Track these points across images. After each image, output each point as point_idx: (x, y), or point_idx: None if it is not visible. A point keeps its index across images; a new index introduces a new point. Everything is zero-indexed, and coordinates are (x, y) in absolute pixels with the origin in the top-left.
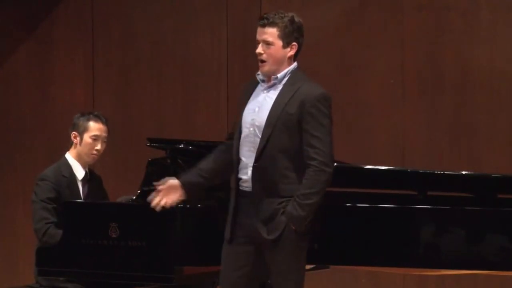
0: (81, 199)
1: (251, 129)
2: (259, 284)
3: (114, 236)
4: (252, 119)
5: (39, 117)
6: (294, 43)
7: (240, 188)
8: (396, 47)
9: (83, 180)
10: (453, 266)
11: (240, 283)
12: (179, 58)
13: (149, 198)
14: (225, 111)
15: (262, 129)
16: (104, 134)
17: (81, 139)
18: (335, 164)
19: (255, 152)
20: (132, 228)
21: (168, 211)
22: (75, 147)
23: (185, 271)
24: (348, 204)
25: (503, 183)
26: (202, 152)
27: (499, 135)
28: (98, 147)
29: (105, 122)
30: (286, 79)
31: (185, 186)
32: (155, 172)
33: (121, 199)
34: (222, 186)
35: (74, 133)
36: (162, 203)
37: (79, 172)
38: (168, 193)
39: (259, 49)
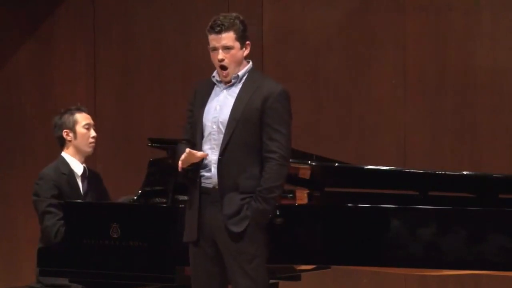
0: (81, 195)
1: (214, 126)
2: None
3: (115, 236)
4: (214, 117)
5: (40, 117)
6: (248, 42)
7: (203, 185)
8: (398, 47)
9: (82, 175)
10: (454, 266)
11: (214, 285)
12: (180, 58)
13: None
14: None
15: (225, 125)
16: (93, 122)
17: (75, 132)
18: (336, 164)
19: (219, 148)
20: (133, 228)
21: (169, 211)
22: (70, 144)
23: (186, 271)
24: (349, 205)
25: (504, 183)
26: None
27: (501, 135)
28: (93, 133)
29: (86, 110)
30: (245, 77)
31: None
32: (156, 173)
33: (122, 199)
34: None
35: (65, 131)
36: (203, 154)
37: (78, 168)
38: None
39: (221, 55)
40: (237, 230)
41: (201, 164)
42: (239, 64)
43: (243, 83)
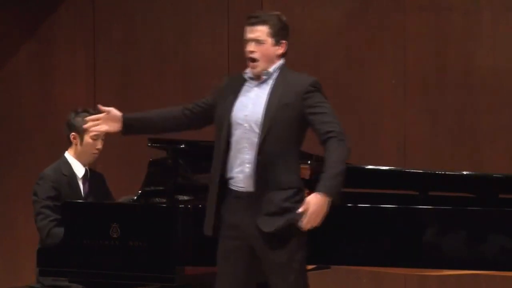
0: (81, 197)
1: (246, 125)
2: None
3: (115, 236)
4: (246, 115)
5: (40, 117)
6: (284, 41)
7: (233, 188)
8: (398, 47)
9: (83, 178)
10: (454, 266)
11: (239, 283)
12: (180, 59)
13: (88, 118)
14: None
15: (260, 124)
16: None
17: (81, 140)
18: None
19: (253, 147)
20: (133, 228)
21: (169, 211)
22: (74, 147)
23: (186, 271)
24: (349, 204)
25: (504, 183)
26: (203, 152)
27: (501, 135)
28: (99, 146)
29: None
30: (276, 74)
31: (125, 121)
32: (156, 173)
33: (122, 199)
34: None
35: (73, 134)
36: (100, 128)
37: (79, 170)
38: (107, 121)
39: (251, 47)
40: (272, 231)
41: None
42: (270, 60)
43: (275, 79)
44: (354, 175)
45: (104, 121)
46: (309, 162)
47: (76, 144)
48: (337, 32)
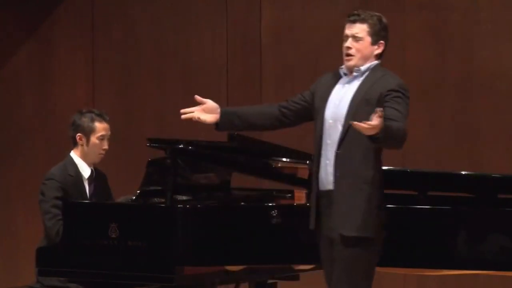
0: (87, 197)
1: (331, 121)
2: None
3: (114, 236)
4: (333, 112)
5: (40, 117)
6: (382, 41)
7: (320, 188)
8: (397, 47)
9: (89, 178)
10: (454, 266)
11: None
12: (179, 58)
13: (183, 110)
14: None
15: (342, 120)
16: (109, 133)
17: (88, 140)
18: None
19: (336, 143)
20: (132, 228)
21: (168, 211)
22: (80, 148)
23: (185, 271)
24: None
25: (503, 183)
26: (202, 152)
27: (501, 135)
28: (105, 146)
29: (108, 119)
30: (367, 72)
31: (222, 114)
32: (155, 172)
33: (121, 199)
34: (223, 185)
35: (79, 135)
36: (194, 115)
37: (85, 171)
38: (204, 111)
39: (348, 43)
40: (347, 234)
41: None
42: (365, 58)
43: (365, 77)
44: None
45: (200, 111)
46: (307, 162)
47: (82, 145)
48: (336, 31)
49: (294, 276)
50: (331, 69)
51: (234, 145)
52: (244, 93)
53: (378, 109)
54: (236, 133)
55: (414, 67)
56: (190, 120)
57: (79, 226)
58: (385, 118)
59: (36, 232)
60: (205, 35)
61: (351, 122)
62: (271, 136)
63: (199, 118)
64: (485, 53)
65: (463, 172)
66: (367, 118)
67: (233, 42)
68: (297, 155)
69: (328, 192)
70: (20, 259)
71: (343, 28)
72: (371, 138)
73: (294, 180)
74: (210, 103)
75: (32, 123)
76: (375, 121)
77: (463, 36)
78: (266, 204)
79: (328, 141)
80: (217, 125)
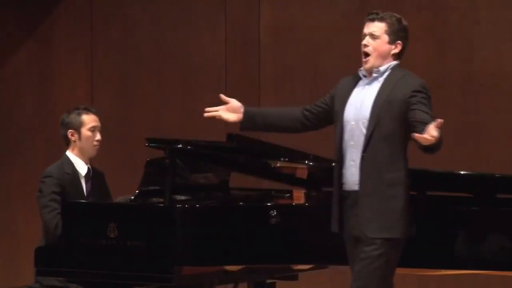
0: (84, 195)
1: (352, 123)
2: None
3: (113, 236)
4: (354, 114)
5: (39, 117)
6: (400, 41)
7: (344, 188)
8: None
9: (86, 176)
10: (453, 266)
11: None
12: (178, 58)
13: (207, 109)
14: None
15: (366, 123)
16: (99, 124)
17: (80, 134)
18: (333, 164)
19: (361, 145)
20: (131, 228)
21: (166, 211)
22: (74, 145)
23: (184, 271)
24: None
25: (502, 183)
26: (201, 152)
27: (501, 135)
28: (98, 137)
29: (94, 111)
30: (387, 73)
31: (245, 114)
32: (154, 172)
33: (120, 199)
34: (222, 185)
35: (70, 131)
36: (217, 113)
37: (82, 169)
38: (228, 110)
39: (365, 41)
40: (372, 235)
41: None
42: (383, 57)
43: (385, 78)
44: None
45: (223, 110)
46: (306, 162)
47: (75, 141)
48: (336, 31)
49: (293, 276)
50: (331, 69)
51: (233, 145)
52: (244, 93)
53: (439, 120)
54: (235, 133)
55: (414, 67)
56: (213, 118)
57: (78, 226)
58: (420, 122)
59: (36, 232)
60: (205, 35)
61: (412, 134)
62: (271, 137)
63: (220, 116)
64: (485, 53)
65: (462, 172)
66: (392, 121)
67: (232, 42)
68: (296, 155)
69: (353, 192)
70: (20, 259)
71: (343, 28)
72: (425, 148)
73: (293, 180)
74: (234, 102)
75: (32, 123)
76: (435, 132)
77: (463, 36)
78: (265, 204)
79: (352, 143)
80: (241, 123)
